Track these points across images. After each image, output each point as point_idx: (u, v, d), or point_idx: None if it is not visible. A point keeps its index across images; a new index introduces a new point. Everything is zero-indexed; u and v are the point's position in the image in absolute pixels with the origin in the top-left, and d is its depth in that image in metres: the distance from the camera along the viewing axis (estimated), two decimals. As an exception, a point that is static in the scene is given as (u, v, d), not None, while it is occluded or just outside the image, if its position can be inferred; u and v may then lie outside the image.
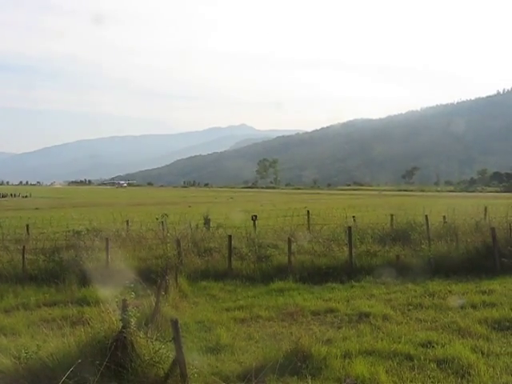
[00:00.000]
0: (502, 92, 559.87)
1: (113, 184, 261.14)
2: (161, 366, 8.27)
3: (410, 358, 9.49)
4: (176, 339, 7.95)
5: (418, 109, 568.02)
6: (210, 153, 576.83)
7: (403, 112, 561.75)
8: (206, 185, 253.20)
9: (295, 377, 8.60)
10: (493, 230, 18.55)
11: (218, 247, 19.80)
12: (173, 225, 23.07)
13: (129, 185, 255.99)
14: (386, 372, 8.73)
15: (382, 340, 10.48)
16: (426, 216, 20.86)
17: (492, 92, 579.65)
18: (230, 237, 18.60)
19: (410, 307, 13.50)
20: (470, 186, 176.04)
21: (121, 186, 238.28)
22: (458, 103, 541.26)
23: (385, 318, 12.33)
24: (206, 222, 26.57)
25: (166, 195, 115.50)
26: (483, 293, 14.70)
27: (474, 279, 16.51)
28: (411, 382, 8.41)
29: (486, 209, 25.99)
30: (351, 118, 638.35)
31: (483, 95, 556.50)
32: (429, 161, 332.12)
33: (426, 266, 17.73)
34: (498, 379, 8.43)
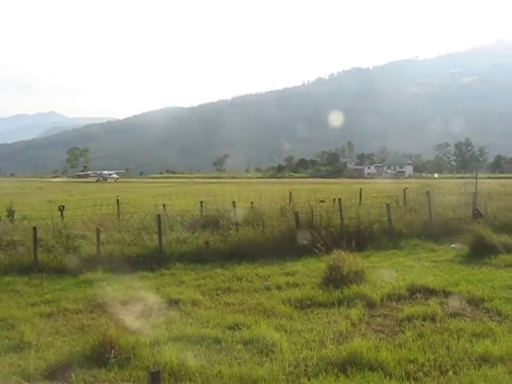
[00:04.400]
0: (306, 83, 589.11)
1: (85, 175, 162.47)
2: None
3: (217, 341, 9.70)
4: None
5: (229, 98, 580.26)
6: (16, 141, 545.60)
7: (214, 101, 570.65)
8: (12, 175, 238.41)
9: (103, 369, 8.43)
10: (296, 214, 19.50)
11: (23, 240, 18.73)
12: (-28, 218, 21.63)
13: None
14: (195, 357, 8.82)
15: (190, 325, 10.62)
16: (234, 202, 21.47)
17: (298, 83, 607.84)
18: (34, 228, 17.75)
19: (219, 292, 13.81)
20: (278, 172, 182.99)
21: (105, 178, 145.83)
22: (266, 93, 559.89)
23: (194, 303, 12.50)
24: (10, 213, 25.18)
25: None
26: (287, 274, 15.43)
27: (279, 262, 17.22)
28: (218, 364, 8.58)
29: (290, 194, 27.20)
30: (164, 106, 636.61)
31: (290, 86, 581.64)
32: (240, 148, 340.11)
33: (234, 250, 18.27)
34: (298, 354, 8.88)
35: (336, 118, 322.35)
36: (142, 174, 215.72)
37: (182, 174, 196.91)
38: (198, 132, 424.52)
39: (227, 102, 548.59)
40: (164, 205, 25.57)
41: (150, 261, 17.40)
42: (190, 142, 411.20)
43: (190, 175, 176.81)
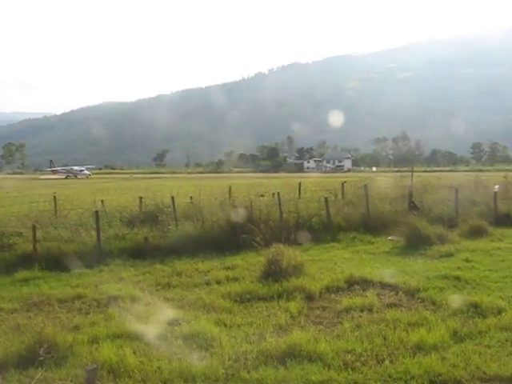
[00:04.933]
0: (246, 78, 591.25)
1: (52, 171, 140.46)
2: None
3: (157, 337, 9.64)
4: None
5: (169, 92, 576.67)
6: None
7: (153, 95, 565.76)
8: None
9: (39, 368, 8.26)
10: (235, 208, 19.53)
11: (-45, 238, 18.27)
12: None
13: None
14: (134, 353, 8.78)
15: (130, 322, 10.52)
16: (173, 197, 21.36)
17: (238, 78, 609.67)
18: (-35, 227, 17.29)
19: (159, 287, 13.72)
20: (218, 167, 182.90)
21: (75, 175, 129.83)
22: (206, 87, 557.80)
23: (133, 299, 12.33)
24: None
25: None
26: (227, 268, 15.47)
27: (218, 256, 17.22)
28: (158, 360, 8.54)
29: (230, 188, 27.27)
30: (102, 101, 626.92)
31: (230, 80, 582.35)
32: (180, 143, 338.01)
33: (173, 246, 18.16)
34: (238, 348, 8.90)
35: (276, 113, 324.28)
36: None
37: (122, 169, 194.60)
38: (137, 127, 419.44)
39: (167, 96, 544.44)
40: (102, 201, 25.29)
41: (88, 257, 17.06)
42: (130, 138, 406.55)
43: (130, 171, 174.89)
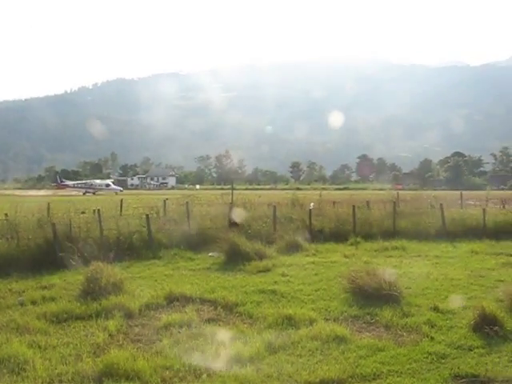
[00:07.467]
0: (69, 91, 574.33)
1: (57, 186, 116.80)
2: None
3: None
4: None
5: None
6: None
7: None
8: None
9: None
10: (53, 225, 18.91)
11: None
12: None
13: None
14: None
15: None
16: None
17: (60, 91, 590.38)
18: None
19: (-34, 310, 12.93)
20: (38, 183, 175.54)
21: (94, 191, 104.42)
22: (26, 100, 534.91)
23: None
24: None
25: None
26: (44, 288, 14.90)
27: (35, 276, 16.49)
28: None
29: (49, 205, 26.31)
30: None
31: (51, 94, 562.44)
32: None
33: (-16, 265, 17.23)
34: (53, 370, 8.63)
35: (98, 128, 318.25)
36: None
37: None
38: None
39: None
40: None
41: None
42: None
43: None
